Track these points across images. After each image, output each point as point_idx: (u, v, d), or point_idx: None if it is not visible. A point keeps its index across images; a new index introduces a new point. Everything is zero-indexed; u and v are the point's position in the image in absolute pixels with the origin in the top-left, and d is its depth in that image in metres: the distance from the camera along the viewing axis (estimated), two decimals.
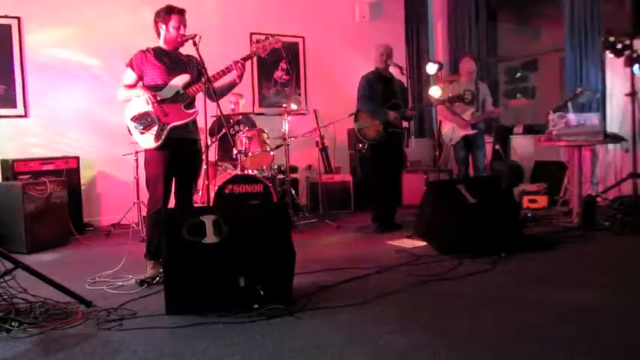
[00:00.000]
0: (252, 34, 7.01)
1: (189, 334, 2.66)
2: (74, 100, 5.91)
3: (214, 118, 5.56)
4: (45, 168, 5.35)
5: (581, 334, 2.53)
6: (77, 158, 5.68)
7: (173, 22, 3.68)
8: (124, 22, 5.99)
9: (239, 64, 3.75)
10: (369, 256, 4.23)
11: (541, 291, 3.23)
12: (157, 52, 3.71)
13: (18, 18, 5.69)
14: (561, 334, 2.52)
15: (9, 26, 5.66)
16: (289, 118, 5.87)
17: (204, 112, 3.84)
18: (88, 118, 5.95)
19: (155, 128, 3.62)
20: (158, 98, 3.60)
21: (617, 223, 4.89)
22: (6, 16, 5.64)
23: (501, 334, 2.56)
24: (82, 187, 5.76)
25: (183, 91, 3.69)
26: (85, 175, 5.83)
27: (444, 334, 2.55)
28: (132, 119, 3.66)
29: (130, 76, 3.71)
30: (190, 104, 3.75)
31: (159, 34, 3.75)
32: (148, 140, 3.64)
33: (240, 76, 3.81)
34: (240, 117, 6.07)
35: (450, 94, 5.39)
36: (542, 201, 6.26)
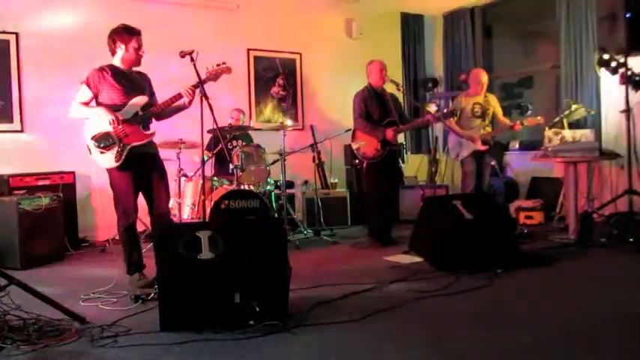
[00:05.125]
0: (249, 50, 7.07)
1: (184, 350, 2.64)
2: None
3: (211, 133, 5.58)
4: (40, 183, 5.33)
5: (580, 349, 2.52)
6: (73, 173, 5.67)
7: (133, 43, 3.81)
8: None
9: (188, 91, 3.83)
10: (365, 272, 4.21)
11: (538, 307, 3.22)
12: (114, 72, 3.80)
13: (16, 34, 5.72)
14: (559, 350, 2.51)
15: (7, 42, 5.69)
16: (286, 133, 5.88)
17: (201, 127, 3.86)
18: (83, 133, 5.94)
19: (116, 148, 3.71)
20: (120, 119, 3.69)
21: (613, 240, 4.91)
22: (4, 32, 5.66)
23: (498, 350, 2.54)
24: (78, 203, 5.74)
25: (141, 113, 3.79)
26: (80, 190, 5.82)
27: (440, 351, 2.54)
28: (92, 138, 3.74)
29: (86, 94, 3.78)
30: (147, 125, 3.87)
31: (114, 52, 3.84)
32: (109, 160, 3.73)
33: (190, 102, 3.90)
34: (238, 132, 6.08)
35: (455, 108, 5.39)
36: (538, 217, 6.26)
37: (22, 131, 5.77)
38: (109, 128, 3.71)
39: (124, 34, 3.80)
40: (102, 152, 3.73)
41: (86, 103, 3.79)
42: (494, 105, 5.88)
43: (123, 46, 3.80)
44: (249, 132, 6.38)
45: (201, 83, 3.77)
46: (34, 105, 5.81)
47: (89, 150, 3.78)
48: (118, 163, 3.73)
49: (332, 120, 7.05)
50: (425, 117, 5.47)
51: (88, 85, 3.76)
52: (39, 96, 5.81)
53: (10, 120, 5.71)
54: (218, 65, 3.93)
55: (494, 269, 3.97)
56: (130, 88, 3.82)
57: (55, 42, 5.91)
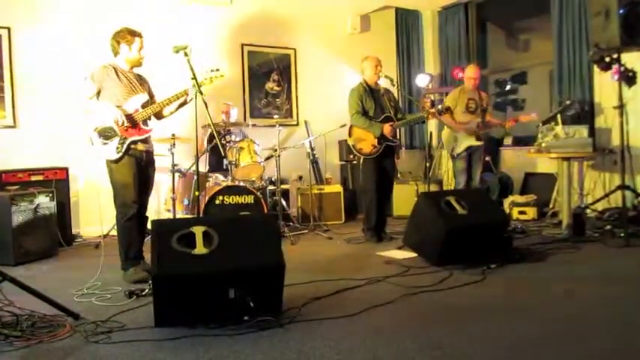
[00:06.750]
0: (243, 45, 7.05)
1: (178, 346, 2.64)
2: (64, 111, 5.87)
3: (205, 129, 5.57)
4: (34, 179, 5.31)
5: (572, 344, 2.53)
6: (66, 169, 5.64)
7: (137, 44, 3.98)
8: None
9: (189, 90, 3.97)
10: (359, 267, 4.22)
11: (531, 302, 3.24)
12: (118, 70, 3.96)
13: (8, 28, 5.69)
14: (551, 345, 2.53)
15: None
16: (280, 129, 5.87)
17: (195, 123, 3.87)
18: (78, 128, 5.91)
19: (116, 140, 3.86)
20: (124, 118, 3.84)
21: (606, 235, 4.94)
22: None
23: (492, 344, 2.56)
24: (71, 199, 5.71)
25: (142, 110, 3.95)
26: (73, 186, 5.79)
27: (434, 346, 2.55)
28: (95, 131, 3.87)
29: (90, 89, 3.89)
30: (146, 121, 4.02)
31: (117, 52, 3.99)
32: (110, 152, 3.87)
33: (191, 98, 4.03)
34: (232, 128, 6.07)
35: (450, 105, 5.42)
36: (532, 212, 6.29)
37: (14, 126, 5.74)
38: (111, 122, 3.83)
39: (128, 35, 3.95)
40: (104, 143, 3.86)
41: (90, 98, 3.91)
42: (486, 102, 6.00)
43: (126, 47, 3.95)
44: (243, 128, 6.37)
45: (195, 79, 3.80)
46: (27, 100, 5.78)
47: (91, 141, 3.88)
48: (118, 155, 3.86)
49: (326, 116, 7.04)
50: (420, 113, 5.49)
51: (92, 80, 3.88)
52: (32, 91, 5.78)
53: (3, 115, 5.68)
54: (212, 71, 4.04)
55: (488, 264, 3.99)
56: (132, 86, 3.97)
57: (48, 37, 5.87)
